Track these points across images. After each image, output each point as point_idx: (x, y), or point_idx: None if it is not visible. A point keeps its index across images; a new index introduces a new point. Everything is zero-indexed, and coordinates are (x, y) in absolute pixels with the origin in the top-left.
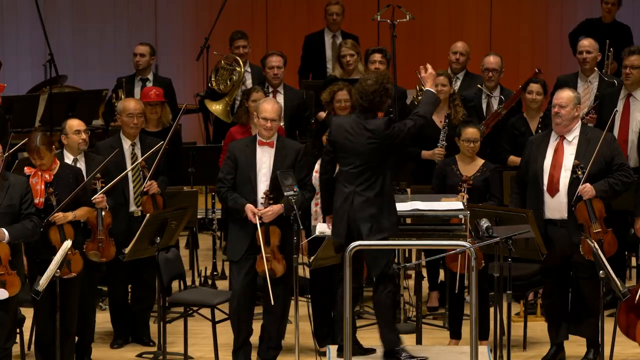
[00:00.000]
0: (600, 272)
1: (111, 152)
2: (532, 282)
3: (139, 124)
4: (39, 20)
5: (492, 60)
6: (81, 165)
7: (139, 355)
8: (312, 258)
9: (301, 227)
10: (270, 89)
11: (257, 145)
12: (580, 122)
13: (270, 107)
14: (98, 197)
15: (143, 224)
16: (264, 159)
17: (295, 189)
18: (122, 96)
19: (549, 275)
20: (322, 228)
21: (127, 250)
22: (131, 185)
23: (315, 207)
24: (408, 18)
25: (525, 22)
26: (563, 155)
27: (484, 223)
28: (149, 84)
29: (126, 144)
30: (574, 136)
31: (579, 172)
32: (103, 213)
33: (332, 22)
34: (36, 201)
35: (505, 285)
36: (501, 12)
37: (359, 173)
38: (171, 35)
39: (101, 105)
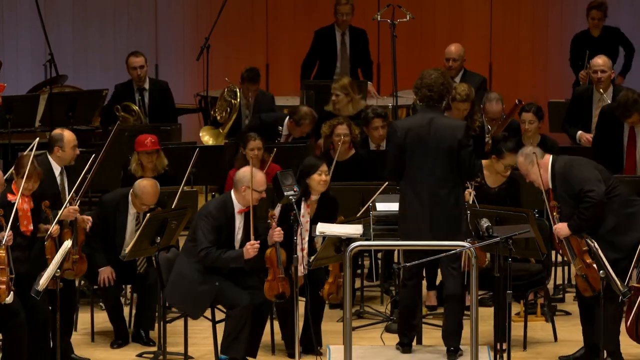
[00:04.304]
0: (601, 272)
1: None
2: (532, 282)
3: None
4: (39, 20)
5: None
6: (63, 177)
7: (139, 355)
8: (312, 258)
9: (301, 227)
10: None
11: (236, 214)
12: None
13: (263, 180)
14: (54, 227)
15: (143, 223)
16: (241, 225)
17: (295, 189)
18: (120, 113)
19: None
20: (322, 228)
21: (127, 250)
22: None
23: None
24: (408, 18)
25: (525, 22)
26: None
27: (484, 223)
28: (146, 94)
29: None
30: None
31: (555, 214)
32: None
33: (342, 22)
34: (30, 228)
35: (505, 285)
36: (501, 12)
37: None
38: (171, 35)
39: (97, 110)
